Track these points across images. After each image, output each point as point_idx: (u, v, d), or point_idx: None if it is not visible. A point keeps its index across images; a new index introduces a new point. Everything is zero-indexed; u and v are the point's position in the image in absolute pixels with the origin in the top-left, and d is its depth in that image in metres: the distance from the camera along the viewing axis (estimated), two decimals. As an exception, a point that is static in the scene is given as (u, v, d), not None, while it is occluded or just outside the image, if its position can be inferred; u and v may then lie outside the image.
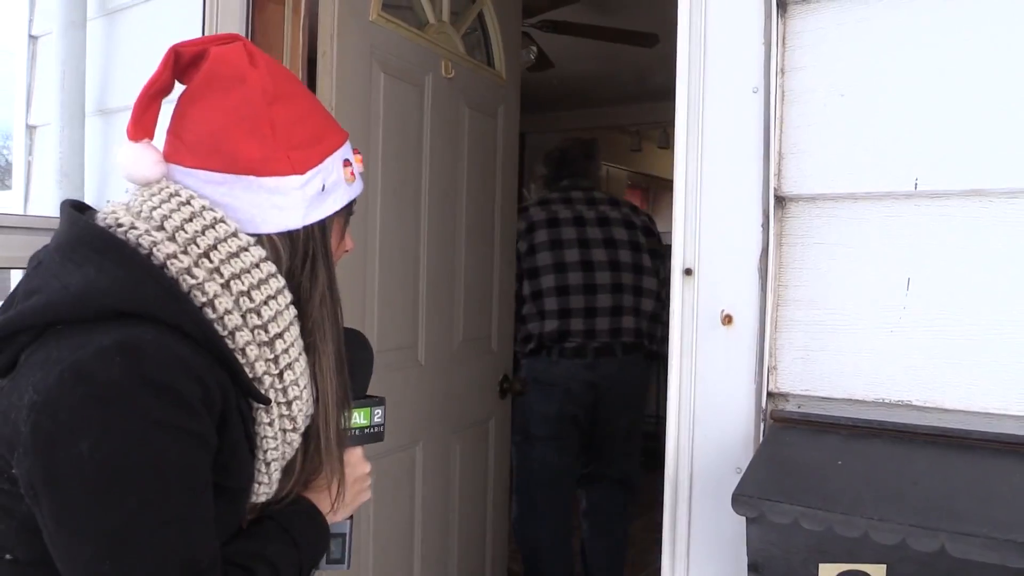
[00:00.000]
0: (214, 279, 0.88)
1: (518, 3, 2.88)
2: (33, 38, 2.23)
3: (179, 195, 0.90)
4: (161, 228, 0.88)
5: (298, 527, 0.99)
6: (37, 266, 0.88)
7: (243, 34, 1.78)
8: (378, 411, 1.14)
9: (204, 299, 0.87)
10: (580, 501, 3.08)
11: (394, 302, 2.16)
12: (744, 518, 1.01)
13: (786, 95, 1.22)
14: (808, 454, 1.14)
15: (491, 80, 2.66)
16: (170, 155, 0.94)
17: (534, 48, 4.12)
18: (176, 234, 0.88)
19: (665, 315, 2.35)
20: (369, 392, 1.18)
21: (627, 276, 2.76)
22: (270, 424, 0.93)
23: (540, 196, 2.96)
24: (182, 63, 0.94)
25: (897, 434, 1.16)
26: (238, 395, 0.88)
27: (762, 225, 1.23)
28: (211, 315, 0.87)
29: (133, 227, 0.87)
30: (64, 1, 1.95)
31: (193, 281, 0.86)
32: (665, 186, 7.66)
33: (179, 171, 0.93)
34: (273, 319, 0.90)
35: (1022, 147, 1.08)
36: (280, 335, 0.91)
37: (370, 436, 1.14)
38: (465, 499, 2.56)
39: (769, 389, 1.23)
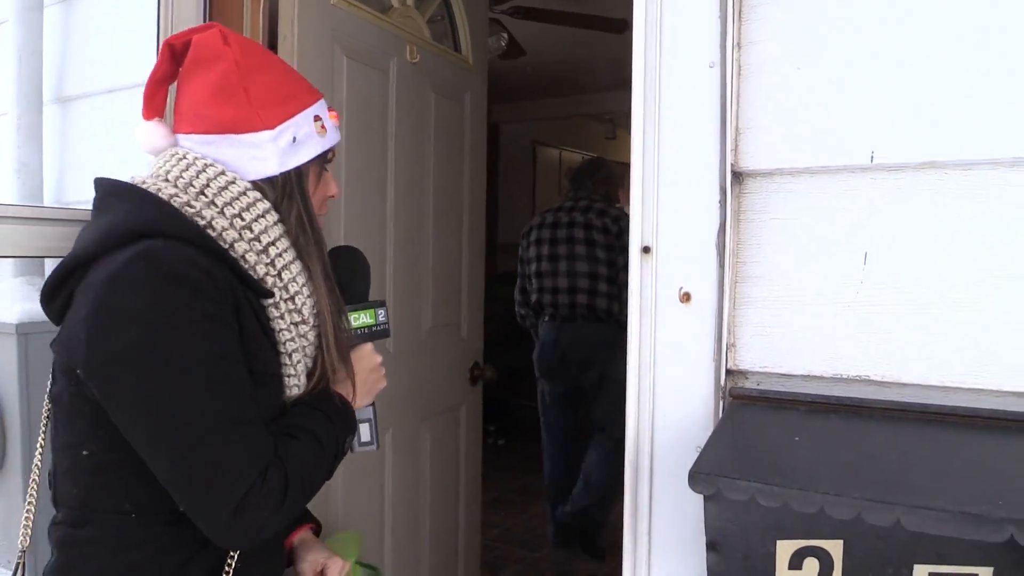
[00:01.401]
0: (211, 208, 1.08)
1: (485, -12, 2.86)
2: (-12, 24, 2.18)
3: (178, 154, 1.13)
4: (166, 180, 1.10)
5: (327, 404, 1.17)
6: (83, 228, 1.10)
7: (200, 19, 1.75)
8: (381, 311, 1.31)
9: (203, 222, 1.07)
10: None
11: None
12: (702, 496, 1.00)
13: (742, 69, 1.21)
14: (766, 431, 1.14)
15: (458, 65, 2.63)
16: (176, 127, 1.17)
17: (504, 35, 4.10)
18: (176, 181, 1.10)
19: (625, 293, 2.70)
20: None
21: (580, 265, 3.62)
22: (281, 318, 1.12)
23: (551, 206, 3.89)
24: (176, 53, 1.16)
25: (855, 409, 1.15)
26: (244, 290, 1.07)
27: (719, 201, 1.22)
28: (212, 234, 1.07)
29: (143, 182, 1.10)
30: (20, -14, 1.91)
31: (191, 210, 1.07)
32: (640, 174, 7.60)
33: (181, 137, 1.16)
34: (264, 231, 1.11)
35: (976, 119, 1.08)
36: (273, 243, 1.12)
37: (378, 333, 1.31)
38: (436, 487, 2.54)
39: (728, 367, 1.22)
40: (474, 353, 2.76)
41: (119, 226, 1.04)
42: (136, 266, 0.98)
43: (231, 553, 1.10)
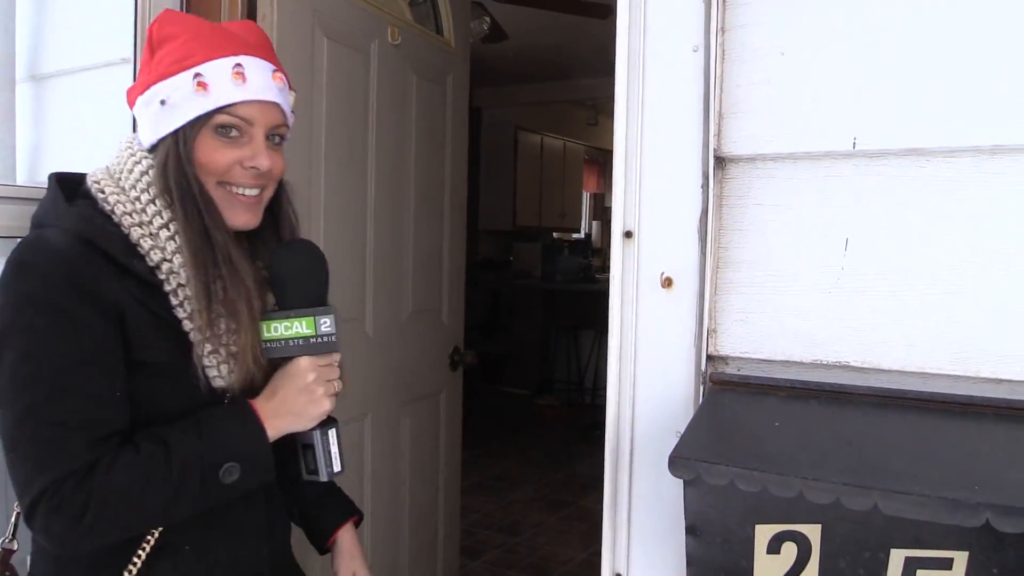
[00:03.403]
0: (119, 191, 1.09)
1: (467, -30, 2.83)
2: (-42, -1, 2.13)
3: (123, 139, 1.16)
4: (108, 167, 1.13)
5: (212, 421, 1.07)
6: None
7: (178, -2, 1.72)
8: (325, 320, 1.11)
9: (108, 207, 1.07)
10: None
11: (340, 273, 2.10)
12: (682, 480, 1.00)
13: (726, 54, 1.20)
14: (746, 416, 1.14)
15: (439, 48, 2.61)
16: None
17: (487, 19, 4.07)
18: (110, 164, 1.13)
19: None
20: None
21: None
22: (180, 306, 1.07)
23: None
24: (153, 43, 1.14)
25: (834, 395, 1.16)
26: (126, 279, 1.04)
27: (702, 186, 1.21)
28: (115, 219, 1.07)
29: (93, 174, 1.13)
30: (-10, -41, 1.87)
31: (102, 195, 1.08)
32: (622, 161, 7.62)
33: None
34: (157, 213, 1.07)
35: (959, 106, 1.08)
36: (165, 225, 1.07)
37: (319, 346, 1.12)
38: (416, 473, 2.53)
39: (709, 352, 1.22)
40: (454, 338, 2.75)
41: (32, 220, 1.10)
42: (10, 255, 1.01)
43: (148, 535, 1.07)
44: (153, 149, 1.10)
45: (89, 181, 1.10)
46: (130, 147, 1.12)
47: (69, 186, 1.11)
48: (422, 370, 2.56)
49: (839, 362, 1.16)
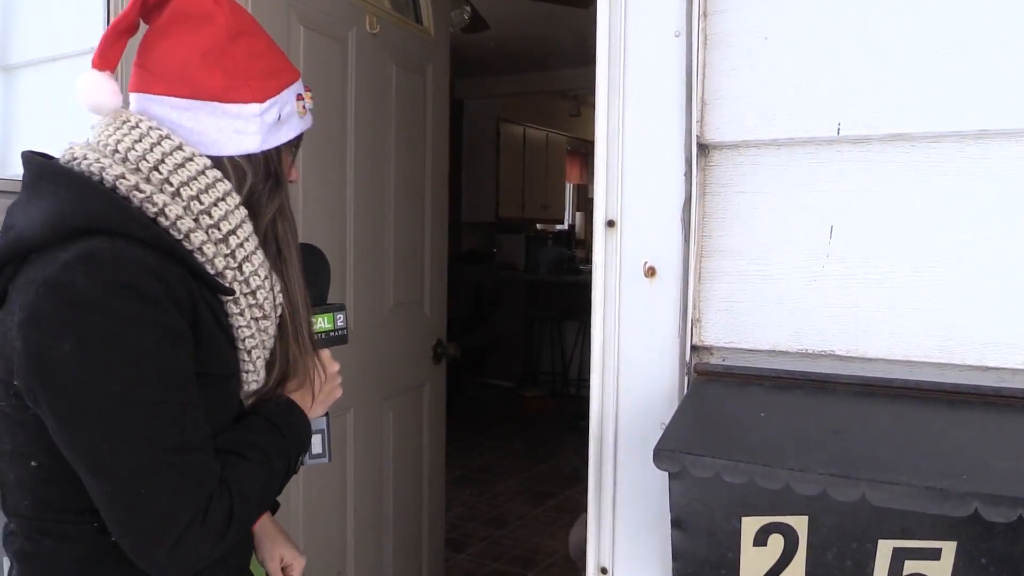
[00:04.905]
0: (164, 189, 0.98)
1: (447, -42, 2.80)
2: (-77, -12, 2.08)
3: (129, 121, 1.01)
4: (115, 152, 0.99)
5: (283, 419, 1.10)
6: (11, 206, 0.98)
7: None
8: (340, 316, 1.25)
9: (155, 209, 0.96)
10: None
11: (319, 266, 2.09)
12: (667, 473, 0.98)
13: (709, 39, 1.18)
14: (731, 407, 1.13)
15: (419, 37, 2.58)
16: (137, 86, 1.04)
17: (468, 8, 4.04)
18: (128, 154, 0.98)
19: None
20: None
21: None
22: (240, 314, 1.04)
23: None
24: (148, 4, 1.03)
25: (820, 385, 1.15)
26: (200, 288, 0.98)
27: (685, 174, 1.20)
28: (164, 223, 0.97)
29: (85, 158, 0.98)
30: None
31: (141, 195, 0.96)
32: (605, 152, 7.63)
33: (147, 99, 1.03)
34: (224, 218, 1.01)
35: (944, 90, 1.07)
36: (233, 231, 1.01)
37: (335, 339, 1.25)
38: (399, 466, 2.52)
39: (693, 342, 1.21)
40: (437, 331, 2.73)
41: (60, 219, 0.93)
42: (76, 272, 0.88)
43: None
44: (243, 157, 1.05)
45: (108, 176, 0.97)
46: (181, 149, 1.01)
47: (53, 172, 1.01)
48: (405, 363, 2.54)
49: (824, 351, 1.15)
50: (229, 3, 1.04)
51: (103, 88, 1.03)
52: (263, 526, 1.36)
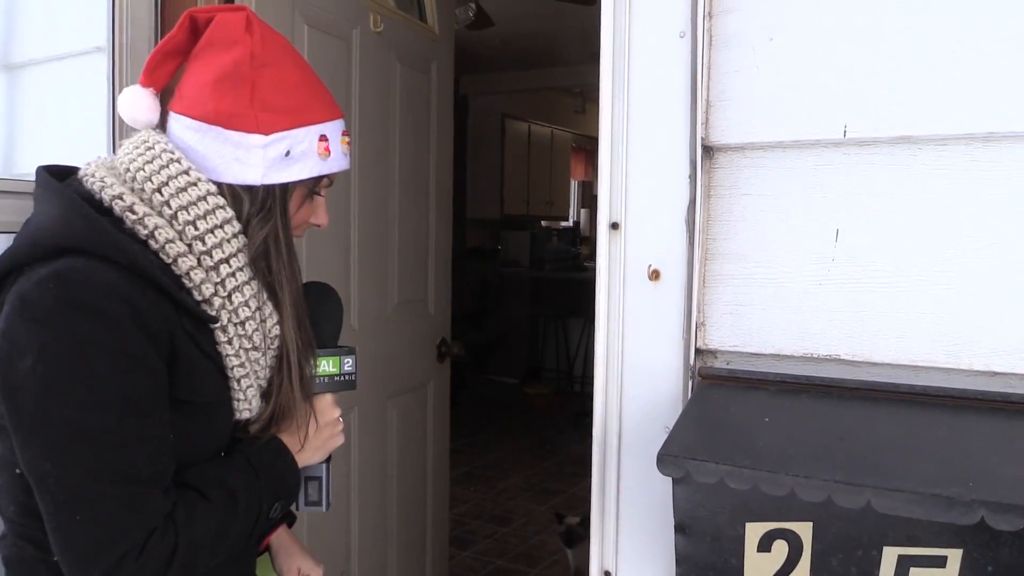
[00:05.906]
0: (162, 212, 0.99)
1: (451, -45, 2.79)
2: (-73, -14, 2.08)
3: (147, 141, 1.03)
4: (126, 171, 1.00)
5: (263, 460, 1.07)
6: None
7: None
8: (348, 360, 1.18)
9: (145, 231, 0.97)
10: None
11: (324, 264, 2.08)
12: (671, 478, 0.98)
13: (714, 40, 1.17)
14: (735, 412, 1.12)
15: (423, 35, 2.57)
16: (172, 104, 1.06)
17: (472, 5, 4.02)
18: (137, 174, 1.00)
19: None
20: None
21: None
22: (228, 343, 1.02)
23: None
24: (198, 27, 1.05)
25: (825, 389, 1.14)
26: (180, 314, 0.97)
27: (689, 176, 1.19)
28: (154, 246, 0.97)
29: (92, 175, 0.99)
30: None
31: (134, 216, 0.97)
32: (610, 148, 7.63)
33: (172, 116, 1.05)
34: (218, 245, 1.00)
35: (952, 92, 1.06)
36: (226, 260, 1.01)
37: (340, 384, 1.18)
38: (403, 464, 2.52)
39: (697, 346, 1.20)
40: (441, 329, 2.72)
41: (42, 237, 0.94)
42: (46, 289, 0.89)
43: None
44: (243, 187, 1.04)
45: (107, 195, 0.98)
46: (187, 173, 1.01)
47: (45, 186, 1.02)
48: (409, 362, 2.54)
49: (830, 355, 1.14)
50: (263, 34, 1.04)
51: (140, 103, 1.07)
52: (280, 539, 1.35)
